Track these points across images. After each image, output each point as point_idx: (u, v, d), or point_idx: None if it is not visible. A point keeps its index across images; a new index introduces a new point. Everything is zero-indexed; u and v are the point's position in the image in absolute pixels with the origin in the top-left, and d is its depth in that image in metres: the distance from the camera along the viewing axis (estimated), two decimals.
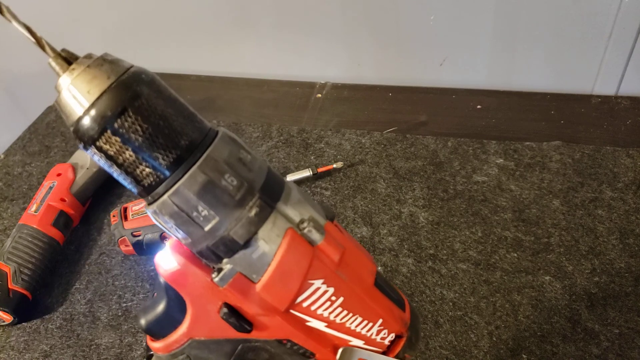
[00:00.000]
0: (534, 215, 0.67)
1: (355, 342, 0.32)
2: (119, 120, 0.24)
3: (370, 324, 0.32)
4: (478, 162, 0.75)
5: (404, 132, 0.82)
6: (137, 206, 0.68)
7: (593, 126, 0.80)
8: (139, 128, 0.24)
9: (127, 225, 0.66)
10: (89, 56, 0.26)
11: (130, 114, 0.24)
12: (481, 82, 0.90)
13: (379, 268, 0.64)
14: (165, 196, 0.26)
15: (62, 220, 0.70)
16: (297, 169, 0.77)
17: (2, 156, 0.88)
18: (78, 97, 0.24)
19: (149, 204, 0.27)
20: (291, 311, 0.29)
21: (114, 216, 0.68)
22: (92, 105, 0.24)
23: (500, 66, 0.89)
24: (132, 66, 0.26)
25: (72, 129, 0.25)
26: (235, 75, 1.00)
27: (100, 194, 0.78)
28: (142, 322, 0.31)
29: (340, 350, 0.32)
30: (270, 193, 0.27)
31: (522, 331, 0.56)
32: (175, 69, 1.03)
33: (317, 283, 0.29)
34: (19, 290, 0.63)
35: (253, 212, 0.26)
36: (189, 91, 0.98)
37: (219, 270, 0.27)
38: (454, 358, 0.55)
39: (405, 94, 0.91)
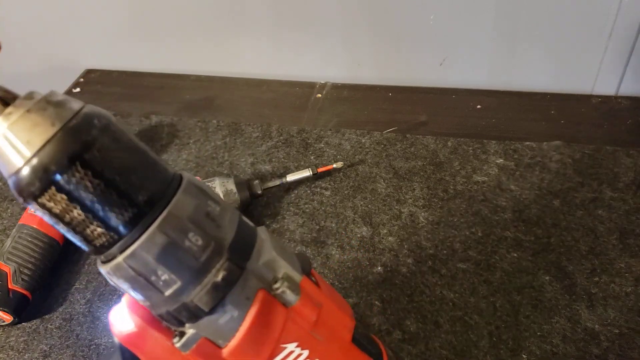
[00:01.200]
0: (534, 215, 0.67)
1: None
2: (65, 176, 0.21)
3: None
4: (478, 162, 0.75)
5: (404, 132, 0.82)
6: None
7: (593, 126, 0.80)
8: (89, 184, 0.21)
9: None
10: (30, 96, 0.22)
11: (79, 168, 0.21)
12: (481, 82, 0.90)
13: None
14: (119, 258, 0.23)
15: None
16: (297, 169, 0.77)
17: None
18: (17, 146, 0.21)
19: (102, 263, 0.24)
20: None
21: None
22: (33, 157, 0.21)
23: (500, 66, 0.89)
24: (82, 107, 0.22)
25: (9, 181, 0.22)
26: (235, 75, 1.00)
27: None
28: None
29: None
30: (241, 251, 0.24)
31: (522, 331, 0.56)
32: (175, 69, 1.03)
33: (291, 347, 0.26)
34: (19, 290, 0.63)
35: (220, 276, 0.23)
36: (189, 91, 0.98)
37: (182, 334, 0.25)
38: (454, 358, 0.55)
39: (405, 94, 0.91)
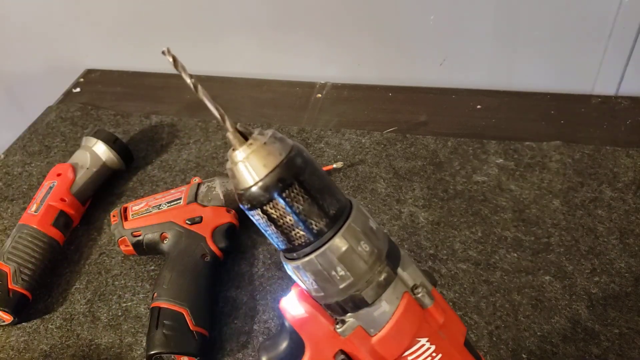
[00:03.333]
0: (534, 215, 0.67)
1: None
2: (286, 191, 0.28)
3: None
4: (478, 162, 0.75)
5: (404, 132, 0.82)
6: (137, 206, 0.68)
7: (593, 126, 0.80)
8: (301, 198, 0.29)
9: (127, 225, 0.66)
10: (261, 133, 0.30)
11: (297, 186, 0.28)
12: (481, 82, 0.90)
13: None
14: (312, 256, 0.29)
15: (62, 220, 0.69)
16: None
17: (2, 156, 0.88)
18: (256, 167, 0.28)
19: (293, 259, 0.30)
20: None
21: (114, 216, 0.68)
22: (267, 176, 0.28)
23: (500, 66, 0.89)
24: (294, 144, 0.30)
25: (241, 192, 0.29)
26: (235, 75, 1.00)
27: (100, 194, 0.78)
28: (264, 358, 0.35)
29: None
30: (394, 259, 0.31)
31: (522, 331, 0.56)
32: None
33: (423, 341, 0.32)
34: (19, 290, 0.63)
35: (382, 277, 0.30)
36: (189, 91, 0.97)
37: (342, 322, 0.31)
38: None
39: (405, 94, 0.91)
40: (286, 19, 0.93)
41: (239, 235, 0.69)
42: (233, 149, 0.29)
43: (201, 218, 0.65)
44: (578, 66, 0.85)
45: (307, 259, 0.30)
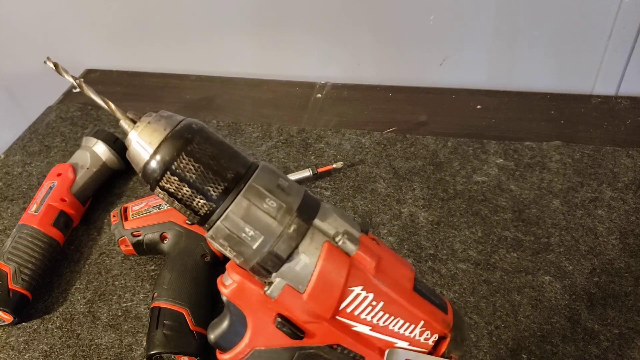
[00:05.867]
0: (534, 215, 0.67)
1: (400, 343, 0.34)
2: (175, 163, 0.29)
3: (412, 326, 0.34)
4: (478, 162, 0.75)
5: (404, 132, 0.82)
6: (137, 206, 0.68)
7: (593, 126, 0.80)
8: (192, 167, 0.29)
9: (127, 225, 0.66)
10: (149, 114, 0.31)
11: (184, 156, 0.29)
12: (481, 82, 0.90)
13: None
14: (218, 222, 0.30)
15: (62, 220, 0.69)
16: (297, 169, 0.77)
17: (2, 156, 0.88)
18: (144, 147, 0.30)
19: (207, 230, 0.31)
20: (337, 317, 0.33)
21: (114, 216, 0.68)
22: (155, 153, 0.29)
23: (500, 66, 0.89)
24: (183, 119, 0.31)
25: (140, 174, 0.31)
26: (235, 75, 1.00)
27: (100, 194, 0.78)
28: (212, 337, 0.35)
29: (387, 352, 0.34)
30: (307, 212, 0.31)
31: (522, 331, 0.56)
32: (175, 69, 1.03)
33: (357, 289, 0.32)
34: (19, 290, 0.63)
35: (292, 229, 0.30)
36: (189, 91, 0.98)
37: (270, 283, 0.31)
38: None
39: (405, 94, 0.91)
40: (286, 19, 0.93)
41: None
42: (126, 135, 0.31)
43: None
44: (578, 66, 0.85)
45: (215, 226, 0.30)
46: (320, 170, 0.75)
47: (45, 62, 0.34)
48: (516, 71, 0.88)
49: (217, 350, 0.36)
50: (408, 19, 0.87)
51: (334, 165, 0.76)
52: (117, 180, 0.80)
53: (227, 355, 0.35)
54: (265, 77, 0.99)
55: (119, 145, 0.78)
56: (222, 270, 0.34)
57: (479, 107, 0.86)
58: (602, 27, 0.79)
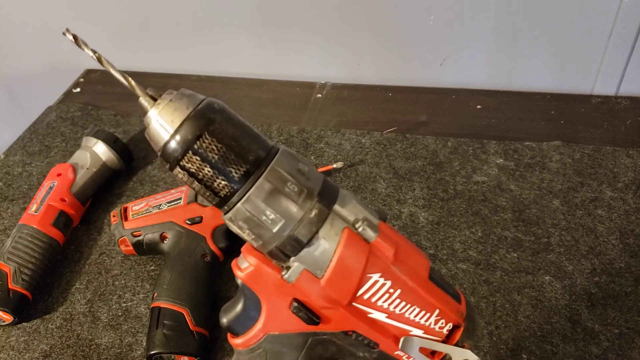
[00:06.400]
0: (534, 215, 0.67)
1: (415, 331, 0.34)
2: (197, 142, 0.29)
3: (428, 314, 0.34)
4: (478, 162, 0.75)
5: (404, 132, 0.82)
6: (137, 206, 0.68)
7: (593, 126, 0.80)
8: (214, 148, 0.29)
9: (127, 225, 0.66)
10: (170, 92, 0.30)
11: (207, 136, 0.29)
12: (481, 82, 0.90)
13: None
14: (239, 204, 0.30)
15: (62, 220, 0.69)
16: None
17: (2, 156, 0.88)
18: (164, 126, 0.29)
19: (225, 213, 0.31)
20: (354, 304, 0.32)
21: (114, 216, 0.68)
22: (176, 132, 0.29)
23: (500, 66, 0.89)
24: (205, 98, 0.30)
25: (159, 153, 0.30)
26: (235, 75, 1.00)
27: (100, 194, 0.78)
28: (224, 320, 0.34)
29: (402, 340, 0.34)
30: (327, 197, 0.31)
31: (522, 331, 0.56)
32: (175, 69, 1.03)
33: (375, 276, 0.31)
34: (19, 290, 0.63)
35: (313, 214, 0.30)
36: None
37: (287, 268, 0.31)
38: None
39: (405, 94, 0.91)
40: (286, 19, 0.93)
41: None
42: (145, 113, 0.30)
43: (201, 218, 0.65)
44: (578, 66, 0.85)
45: (235, 208, 0.30)
46: (320, 170, 0.75)
47: (64, 34, 0.32)
48: (516, 71, 0.88)
49: (229, 334, 0.35)
50: (408, 19, 0.87)
51: (334, 165, 0.76)
52: (117, 180, 0.80)
53: (239, 340, 0.34)
54: (265, 77, 0.99)
55: (119, 145, 0.78)
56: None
57: (479, 107, 0.86)
58: (602, 27, 0.79)
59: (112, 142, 0.78)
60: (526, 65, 0.87)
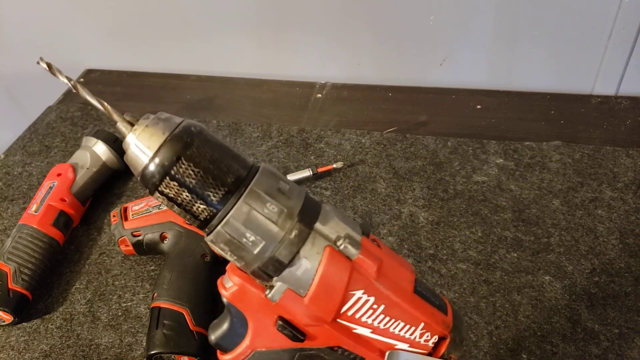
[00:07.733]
0: (534, 215, 0.67)
1: (400, 345, 0.34)
2: (174, 168, 0.29)
3: (413, 328, 0.34)
4: (478, 162, 0.75)
5: (404, 132, 0.82)
6: (137, 206, 0.68)
7: (593, 126, 0.80)
8: (192, 172, 0.29)
9: (127, 225, 0.66)
10: (147, 116, 0.30)
11: (184, 161, 0.29)
12: (481, 82, 0.90)
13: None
14: (219, 227, 0.30)
15: (62, 220, 0.69)
16: (297, 169, 0.77)
17: (2, 156, 0.88)
18: (143, 150, 0.29)
19: (207, 234, 0.31)
20: (338, 320, 0.33)
21: (114, 216, 0.68)
22: (153, 157, 0.29)
23: (500, 66, 0.89)
24: (182, 120, 0.30)
25: (139, 178, 0.30)
26: (235, 75, 1.00)
27: (100, 194, 0.78)
28: (212, 337, 0.35)
29: (387, 354, 0.34)
30: (309, 215, 0.31)
31: (522, 331, 0.56)
32: (175, 69, 1.03)
33: (358, 293, 0.32)
34: (19, 290, 0.63)
35: (293, 234, 0.30)
36: (189, 91, 0.98)
37: (271, 287, 0.31)
38: None
39: (405, 94, 0.91)
40: (286, 19, 0.93)
41: None
42: (123, 138, 0.30)
43: None
44: (578, 66, 0.85)
45: (215, 230, 0.30)
46: (320, 170, 0.75)
47: (38, 63, 0.33)
48: (516, 71, 0.88)
49: (218, 351, 0.36)
50: (408, 19, 0.87)
51: (334, 165, 0.76)
52: (117, 180, 0.80)
53: (228, 356, 0.35)
54: (265, 77, 0.99)
55: (119, 145, 0.78)
56: (223, 271, 0.34)
57: (479, 107, 0.86)
58: (602, 27, 0.79)
59: (112, 142, 0.78)
60: (526, 65, 0.87)
